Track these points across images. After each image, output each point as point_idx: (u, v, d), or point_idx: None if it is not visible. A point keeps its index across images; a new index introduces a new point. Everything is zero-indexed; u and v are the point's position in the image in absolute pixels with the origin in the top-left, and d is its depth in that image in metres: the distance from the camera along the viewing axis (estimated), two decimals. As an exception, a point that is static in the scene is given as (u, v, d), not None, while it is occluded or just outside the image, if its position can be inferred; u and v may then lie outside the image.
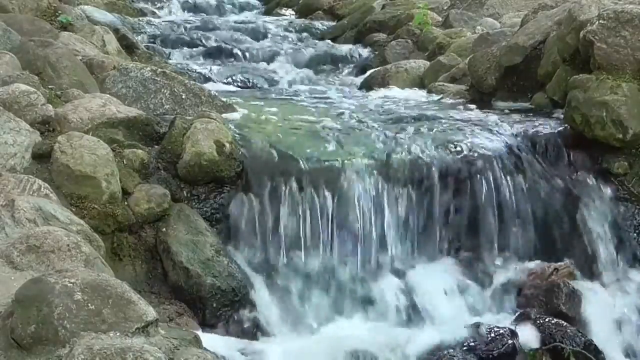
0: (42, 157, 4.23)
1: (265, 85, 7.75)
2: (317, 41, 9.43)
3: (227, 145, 4.56)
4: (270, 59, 8.57)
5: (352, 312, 4.34)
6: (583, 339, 4.15)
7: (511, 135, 5.06)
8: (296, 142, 4.86)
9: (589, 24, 5.04)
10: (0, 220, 3.52)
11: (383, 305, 4.37)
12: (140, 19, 9.57)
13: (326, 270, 4.46)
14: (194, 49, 8.68)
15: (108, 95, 5.01)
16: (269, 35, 9.46)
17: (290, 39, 9.43)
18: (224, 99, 5.56)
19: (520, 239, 4.73)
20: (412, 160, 4.75)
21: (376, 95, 6.54)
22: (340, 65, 8.65)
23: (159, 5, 10.85)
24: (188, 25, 9.44)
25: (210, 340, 3.66)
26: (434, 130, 5.11)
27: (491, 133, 5.08)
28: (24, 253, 3.25)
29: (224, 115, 5.10)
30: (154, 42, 8.64)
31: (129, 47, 7.39)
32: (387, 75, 7.26)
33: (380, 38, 8.94)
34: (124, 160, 4.41)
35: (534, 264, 4.64)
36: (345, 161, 4.68)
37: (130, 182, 4.35)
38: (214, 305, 4.13)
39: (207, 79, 7.51)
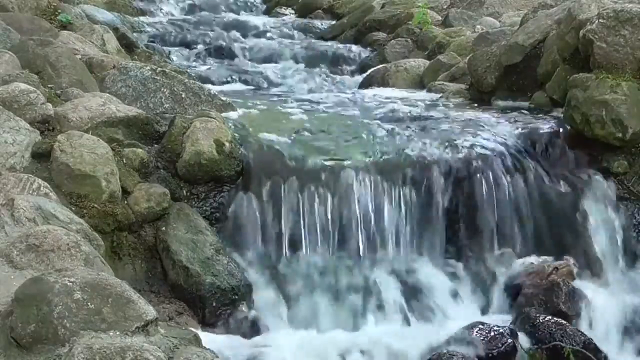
0: (41, 156, 4.23)
1: (265, 85, 7.75)
2: (316, 40, 9.43)
3: (227, 144, 4.56)
4: (269, 58, 8.56)
5: (352, 310, 4.33)
6: (583, 338, 4.15)
7: (511, 134, 5.06)
8: (296, 141, 4.86)
9: (588, 23, 5.04)
10: (0, 219, 3.52)
11: (382, 304, 4.37)
12: (140, 18, 9.57)
13: (326, 269, 4.46)
14: (194, 48, 8.68)
15: (108, 94, 5.01)
16: (269, 35, 9.45)
17: (289, 38, 9.42)
18: (224, 98, 5.56)
19: (520, 237, 4.73)
20: (411, 160, 4.75)
21: (376, 94, 6.54)
22: (340, 64, 8.65)
23: (158, 4, 10.84)
24: (188, 25, 9.44)
25: (210, 339, 3.67)
26: (433, 130, 5.11)
27: (491, 132, 5.08)
28: (23, 252, 3.25)
29: (223, 114, 5.10)
30: (153, 41, 8.63)
31: (128, 46, 7.39)
32: (386, 75, 7.26)
33: (380, 37, 8.93)
34: (124, 160, 4.41)
35: (533, 263, 4.64)
36: (345, 160, 4.68)
37: (130, 181, 4.35)
38: (214, 304, 4.13)
39: (207, 78, 7.50)
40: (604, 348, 4.21)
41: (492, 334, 4.06)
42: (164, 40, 8.77)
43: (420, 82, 7.06)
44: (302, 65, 8.42)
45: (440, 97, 6.30)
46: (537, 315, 4.26)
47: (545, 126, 5.20)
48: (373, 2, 9.86)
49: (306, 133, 5.01)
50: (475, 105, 5.91)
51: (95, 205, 4.13)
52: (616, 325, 4.46)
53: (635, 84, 4.84)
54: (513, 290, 4.53)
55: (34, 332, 2.70)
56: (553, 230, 4.77)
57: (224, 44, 8.80)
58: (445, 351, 3.98)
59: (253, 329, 4.15)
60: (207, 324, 4.10)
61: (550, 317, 4.24)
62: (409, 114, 5.54)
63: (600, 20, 4.96)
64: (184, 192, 4.52)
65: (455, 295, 4.50)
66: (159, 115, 5.06)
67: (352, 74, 8.39)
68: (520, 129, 5.12)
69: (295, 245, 4.49)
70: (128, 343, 2.66)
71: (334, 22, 10.20)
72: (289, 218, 4.50)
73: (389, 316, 4.34)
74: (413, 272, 4.55)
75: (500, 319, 4.31)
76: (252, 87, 7.55)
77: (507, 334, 4.07)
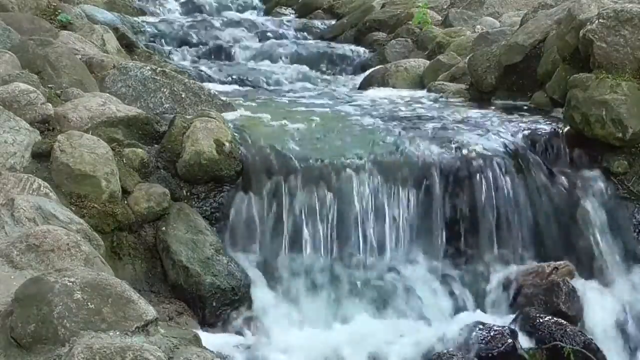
0: (41, 156, 4.23)
1: (265, 85, 7.74)
2: (316, 40, 9.43)
3: (227, 144, 4.56)
4: (269, 58, 8.56)
5: (352, 310, 4.33)
6: (583, 338, 4.15)
7: (511, 134, 5.06)
8: (296, 141, 4.86)
9: (588, 23, 5.04)
10: (0, 219, 3.53)
11: (382, 304, 4.37)
12: (140, 18, 9.57)
13: (326, 269, 4.46)
14: (194, 48, 8.68)
15: (108, 94, 5.01)
16: (269, 35, 9.45)
17: (289, 38, 9.42)
18: (224, 98, 5.56)
19: (520, 237, 4.72)
20: (411, 160, 4.75)
21: (376, 94, 6.54)
22: (340, 64, 8.65)
23: (158, 4, 10.84)
24: (188, 25, 9.44)
25: (210, 339, 3.67)
26: (433, 130, 5.11)
27: (491, 132, 5.08)
28: (23, 252, 3.25)
29: (223, 114, 5.10)
30: (153, 41, 8.64)
31: (128, 46, 7.39)
32: (386, 74, 7.26)
33: (380, 37, 8.93)
34: (124, 159, 4.41)
35: (533, 263, 4.64)
36: (345, 160, 4.68)
37: (130, 181, 4.35)
38: (214, 304, 4.13)
39: (207, 78, 7.50)
40: (604, 348, 4.21)
41: (492, 334, 4.05)
42: (164, 40, 8.77)
43: (420, 82, 7.06)
44: (302, 65, 8.41)
45: (440, 97, 6.30)
46: (537, 315, 4.25)
47: (545, 126, 5.20)
48: (373, 2, 9.86)
49: (306, 133, 5.01)
50: (475, 105, 5.90)
51: (95, 205, 4.13)
52: (616, 325, 4.46)
53: (635, 84, 4.84)
54: (513, 290, 4.53)
55: (34, 332, 2.70)
56: (553, 230, 4.77)
57: (224, 44, 8.81)
58: (445, 351, 3.98)
59: (253, 329, 4.16)
60: (207, 324, 4.10)
61: (550, 317, 4.24)
62: (408, 114, 5.54)
63: (600, 20, 4.96)
64: (184, 192, 4.52)
65: (455, 295, 4.50)
66: (159, 115, 5.06)
67: (352, 74, 8.39)
68: (520, 129, 5.12)
69: (295, 245, 4.49)
70: (128, 343, 2.66)
71: (334, 22, 10.20)
72: (288, 218, 4.50)
73: (389, 316, 4.34)
74: (413, 272, 4.54)
75: (500, 319, 4.31)
76: (252, 87, 7.55)
77: (507, 334, 4.07)
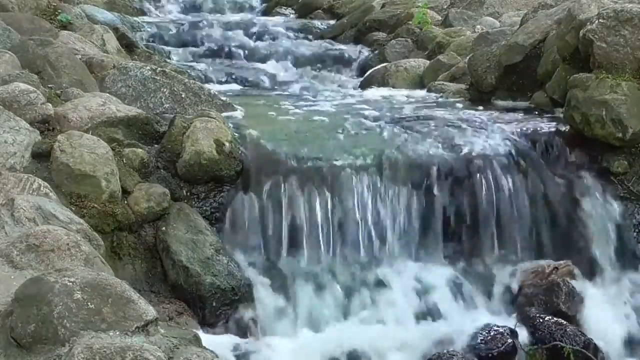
0: (41, 156, 4.23)
1: (265, 85, 7.75)
2: (316, 40, 9.43)
3: (227, 144, 4.56)
4: (269, 58, 8.56)
5: (352, 311, 4.33)
6: (582, 338, 4.16)
7: (511, 134, 5.06)
8: (296, 141, 4.86)
9: (588, 23, 5.04)
10: (0, 219, 3.52)
11: (382, 305, 4.37)
12: (140, 18, 9.56)
13: (326, 269, 4.46)
14: (194, 48, 8.67)
15: (108, 94, 5.01)
16: (269, 35, 9.45)
17: (289, 38, 9.42)
18: (224, 98, 5.56)
19: (520, 237, 4.73)
20: (411, 160, 4.75)
21: (376, 94, 6.55)
22: (340, 64, 8.64)
23: (158, 4, 10.83)
24: (188, 25, 9.43)
25: (210, 339, 3.67)
26: (433, 130, 5.11)
27: (491, 132, 5.08)
28: (23, 252, 3.25)
29: (223, 114, 5.11)
30: (153, 41, 8.63)
31: (128, 46, 7.39)
32: (386, 74, 7.26)
33: (380, 37, 8.93)
34: (124, 159, 4.41)
35: (533, 263, 4.64)
36: (345, 160, 4.68)
37: (130, 181, 4.35)
38: (214, 304, 4.13)
39: (207, 78, 7.50)
40: (604, 348, 4.21)
41: (492, 333, 4.06)
42: (164, 40, 8.76)
43: (420, 82, 7.06)
44: (301, 66, 8.41)
45: (440, 97, 6.30)
46: (537, 315, 4.26)
47: (545, 126, 5.20)
48: (373, 2, 9.85)
49: (306, 133, 5.01)
50: (475, 105, 5.90)
51: (95, 205, 4.13)
52: (616, 325, 4.46)
53: (635, 84, 4.84)
54: (513, 291, 4.53)
55: (34, 332, 2.70)
56: (553, 230, 4.77)
57: (224, 43, 8.80)
58: (445, 351, 3.98)
59: (253, 329, 4.16)
60: (207, 324, 4.10)
61: (550, 317, 4.24)
62: (408, 114, 5.53)
63: (600, 20, 4.96)
64: (184, 192, 4.52)
65: (455, 295, 4.50)
66: (159, 115, 5.06)
67: (352, 74, 8.39)
68: (520, 129, 5.12)
69: (295, 245, 4.49)
70: (128, 343, 2.66)
71: (334, 22, 10.19)
72: (288, 218, 4.50)
73: (389, 316, 4.34)
74: (413, 273, 4.54)
75: (500, 319, 4.31)
76: (252, 87, 7.55)
77: (507, 334, 4.07)
